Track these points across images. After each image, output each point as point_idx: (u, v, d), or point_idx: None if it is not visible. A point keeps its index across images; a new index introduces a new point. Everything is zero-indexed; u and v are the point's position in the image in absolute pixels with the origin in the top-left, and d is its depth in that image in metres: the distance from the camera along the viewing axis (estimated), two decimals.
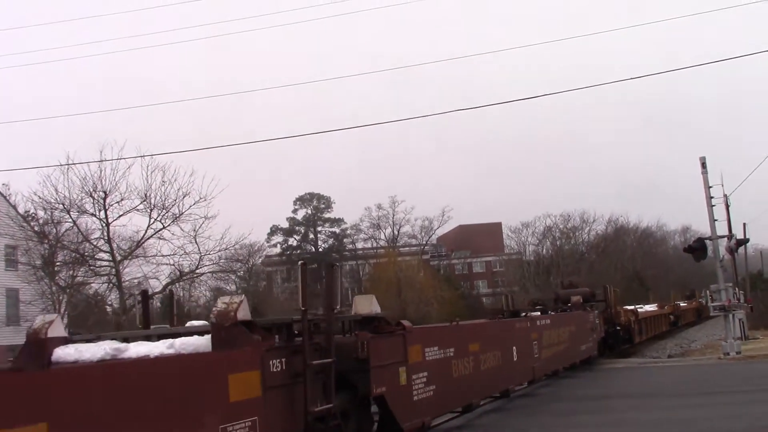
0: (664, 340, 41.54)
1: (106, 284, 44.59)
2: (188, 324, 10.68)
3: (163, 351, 8.02)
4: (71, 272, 44.04)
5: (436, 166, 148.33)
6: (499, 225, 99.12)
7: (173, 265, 44.03)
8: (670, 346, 37.09)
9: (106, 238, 41.15)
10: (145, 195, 41.16)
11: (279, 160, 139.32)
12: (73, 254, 42.51)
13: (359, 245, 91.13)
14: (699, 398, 15.94)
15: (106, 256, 41.59)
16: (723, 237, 27.58)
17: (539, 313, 22.22)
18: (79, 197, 39.99)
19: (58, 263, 43.60)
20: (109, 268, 41.98)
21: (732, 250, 28.35)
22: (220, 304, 8.58)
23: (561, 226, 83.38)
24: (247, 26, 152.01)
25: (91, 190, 40.00)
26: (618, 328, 30.00)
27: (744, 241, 31.53)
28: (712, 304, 26.83)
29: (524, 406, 16.01)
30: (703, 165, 26.90)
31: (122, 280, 42.07)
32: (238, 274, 58.36)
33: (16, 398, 5.66)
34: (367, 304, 11.14)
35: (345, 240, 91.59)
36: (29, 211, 46.51)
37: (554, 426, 13.61)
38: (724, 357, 24.67)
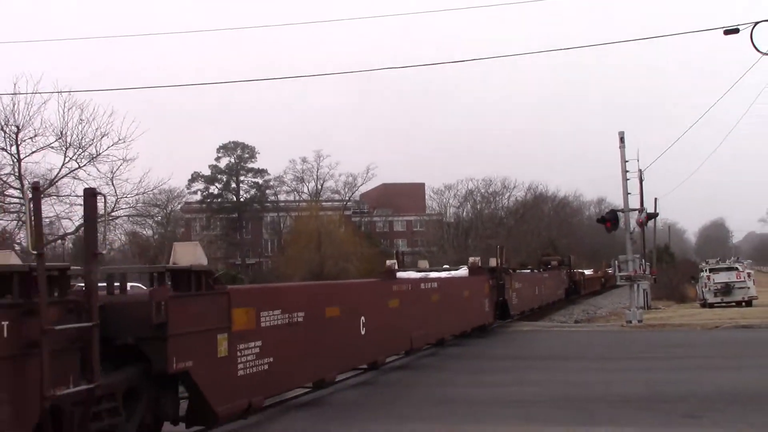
0: (572, 306, 42.93)
1: (15, 222, 43.11)
2: (419, 265, 13.81)
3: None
4: None
5: (362, 123, 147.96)
6: (422, 186, 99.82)
7: None
8: (577, 312, 38.27)
9: (16, 174, 39.65)
10: (61, 132, 39.71)
11: (204, 107, 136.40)
12: None
13: (282, 197, 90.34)
14: (599, 363, 16.44)
15: (16, 192, 40.11)
16: (635, 210, 28.40)
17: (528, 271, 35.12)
18: None
19: None
20: (18, 206, 40.53)
21: (642, 223, 29.22)
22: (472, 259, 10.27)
23: (482, 191, 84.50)
24: None
25: (3, 123, 38.37)
26: (573, 283, 45.72)
27: (654, 215, 32.53)
28: (619, 274, 27.69)
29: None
30: (621, 139, 27.51)
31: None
32: (156, 219, 57.10)
33: None
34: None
35: (268, 191, 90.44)
36: None
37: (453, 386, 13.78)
38: (627, 325, 25.56)
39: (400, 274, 19.90)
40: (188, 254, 8.84)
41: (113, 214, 43.63)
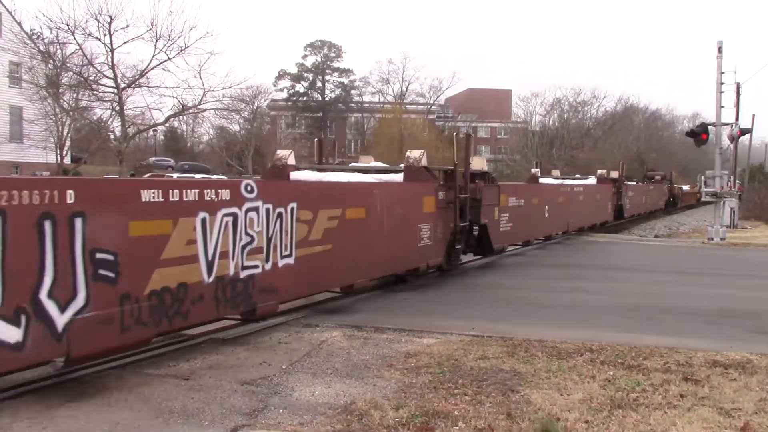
0: (663, 218, 42.28)
1: (109, 111, 44.57)
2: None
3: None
4: (75, 95, 43.81)
5: (451, 26, 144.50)
6: (508, 92, 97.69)
7: (176, 98, 43.75)
8: (659, 226, 37.43)
9: (110, 63, 40.78)
10: (151, 24, 40.49)
11: (292, 2, 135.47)
12: (78, 77, 42.10)
13: (366, 98, 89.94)
14: (673, 276, 16.17)
15: (109, 82, 41.32)
16: (727, 124, 27.16)
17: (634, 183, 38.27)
18: (84, 19, 39.26)
19: (62, 85, 43.22)
20: (112, 95, 41.76)
21: (734, 138, 27.99)
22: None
23: (570, 100, 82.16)
24: None
25: (97, 12, 39.23)
26: (672, 197, 50.55)
27: (747, 131, 31.05)
28: (705, 190, 26.80)
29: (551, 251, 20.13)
30: (719, 49, 26.01)
31: (125, 108, 41.91)
32: (242, 114, 57.98)
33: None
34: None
35: (352, 92, 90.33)
36: (34, 30, 45.72)
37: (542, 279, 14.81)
38: (708, 242, 24.92)
39: (542, 180, 25.12)
40: (479, 162, 16.13)
41: (201, 106, 44.58)
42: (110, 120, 45.86)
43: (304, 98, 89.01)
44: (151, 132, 57.91)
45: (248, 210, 8.31)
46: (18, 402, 6.22)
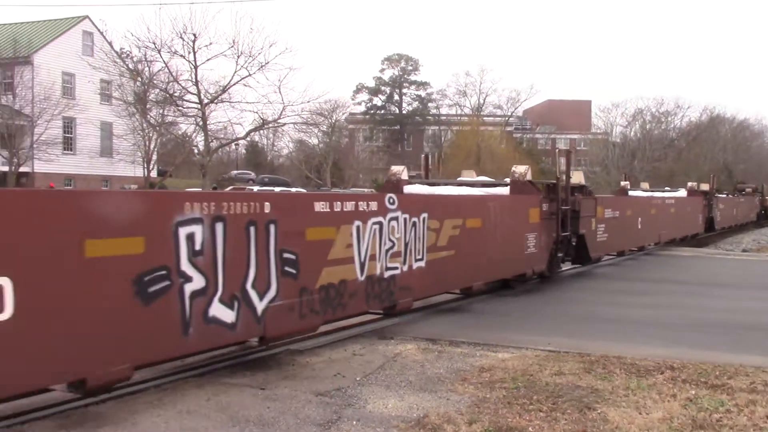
0: (752, 232, 40.82)
1: (193, 126, 45.92)
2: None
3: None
4: (161, 111, 45.33)
5: (528, 37, 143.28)
6: (588, 103, 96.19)
7: (257, 112, 44.78)
8: (747, 240, 36.06)
9: (194, 80, 42.16)
10: (233, 41, 41.72)
11: (370, 16, 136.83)
12: (164, 94, 43.55)
13: (443, 111, 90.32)
14: (761, 292, 15.57)
15: (193, 98, 42.75)
16: None
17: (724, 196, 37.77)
18: (170, 38, 40.68)
19: (149, 101, 44.78)
20: (196, 110, 43.02)
21: None
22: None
23: (653, 110, 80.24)
24: None
25: (181, 31, 40.62)
26: (763, 210, 49.76)
27: None
28: None
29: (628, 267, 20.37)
30: None
31: (208, 123, 43.11)
32: (321, 128, 58.74)
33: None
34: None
35: (429, 104, 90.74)
36: (123, 49, 47.61)
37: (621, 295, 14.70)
38: None
39: (631, 193, 25.95)
40: (577, 176, 17.00)
41: (280, 120, 45.43)
42: (194, 135, 47.35)
43: (382, 111, 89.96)
44: (233, 146, 59.60)
45: (390, 219, 9.81)
46: (101, 406, 6.44)
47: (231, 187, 44.58)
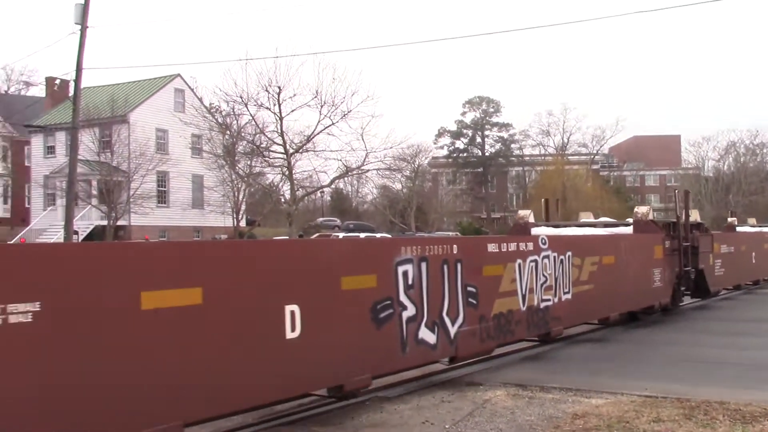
0: None
1: (280, 176, 47.78)
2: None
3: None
4: (249, 162, 47.38)
5: (611, 73, 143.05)
6: (677, 138, 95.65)
7: (341, 160, 46.34)
8: None
9: (279, 131, 44.13)
10: (317, 91, 43.53)
11: (449, 62, 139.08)
12: (251, 145, 45.58)
13: (527, 151, 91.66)
14: None
15: (279, 148, 44.75)
16: None
17: None
18: (256, 91, 42.76)
19: (238, 153, 46.88)
20: (282, 160, 44.83)
21: None
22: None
23: (747, 142, 79.25)
24: None
25: (267, 84, 42.70)
26: None
27: None
28: None
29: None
30: None
31: (293, 172, 44.82)
32: (404, 173, 60.09)
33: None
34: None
35: (512, 145, 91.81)
36: (213, 104, 50.16)
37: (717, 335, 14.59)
38: None
39: (739, 229, 26.58)
40: (694, 215, 18.53)
41: (364, 167, 46.84)
42: (281, 184, 49.27)
43: (464, 154, 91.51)
44: (318, 194, 61.51)
45: (543, 257, 11.56)
46: None
47: (317, 234, 46.10)
